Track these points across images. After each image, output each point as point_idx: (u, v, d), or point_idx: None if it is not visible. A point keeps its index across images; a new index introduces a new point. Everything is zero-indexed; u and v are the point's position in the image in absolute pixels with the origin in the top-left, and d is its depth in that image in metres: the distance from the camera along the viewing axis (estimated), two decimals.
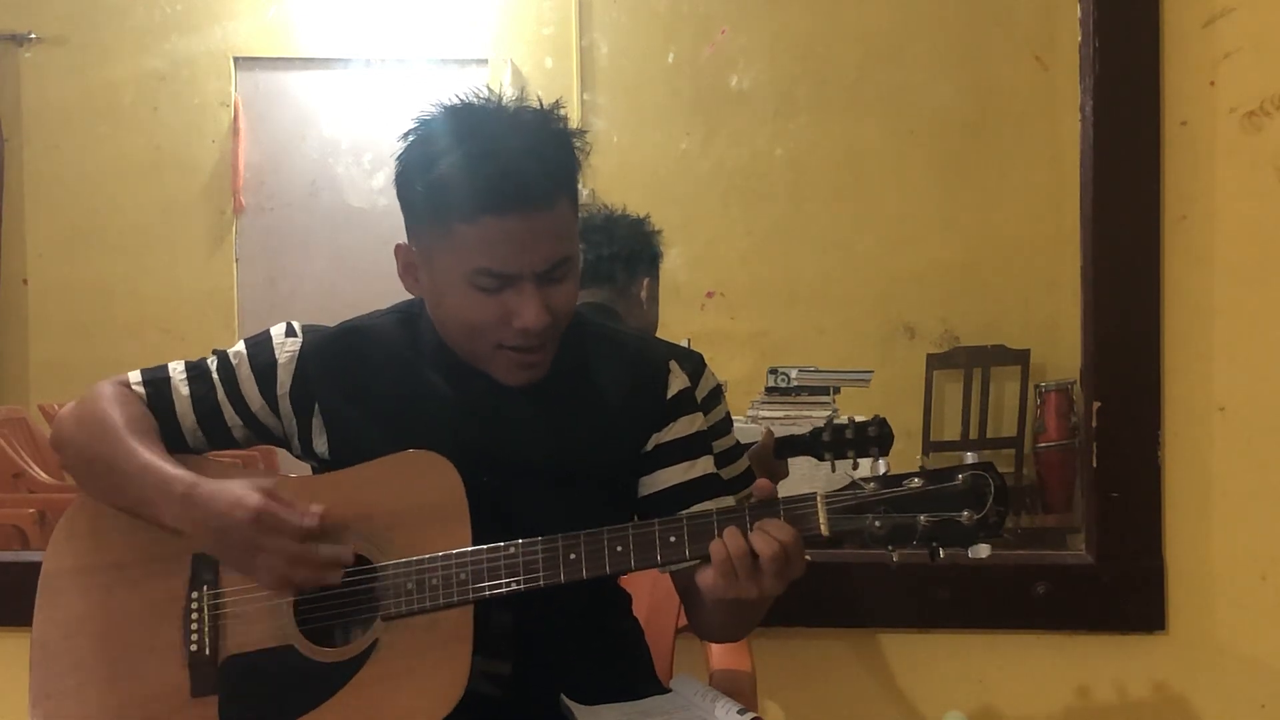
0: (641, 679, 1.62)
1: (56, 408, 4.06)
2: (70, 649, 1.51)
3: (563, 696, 1.51)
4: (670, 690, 1.60)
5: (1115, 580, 2.11)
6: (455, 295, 1.45)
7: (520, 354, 1.47)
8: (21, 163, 5.11)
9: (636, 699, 1.55)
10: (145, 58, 5.05)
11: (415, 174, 1.46)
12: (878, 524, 1.38)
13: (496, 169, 1.40)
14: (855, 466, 2.26)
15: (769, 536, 1.36)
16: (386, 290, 1.62)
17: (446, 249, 1.44)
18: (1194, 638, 2.12)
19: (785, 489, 1.49)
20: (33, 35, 5.05)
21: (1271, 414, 2.10)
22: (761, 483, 1.43)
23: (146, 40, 5.04)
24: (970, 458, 1.47)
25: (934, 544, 1.39)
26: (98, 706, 1.48)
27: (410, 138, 1.48)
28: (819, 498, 1.39)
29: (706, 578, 1.42)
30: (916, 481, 1.39)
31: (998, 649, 2.16)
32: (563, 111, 1.50)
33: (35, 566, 1.56)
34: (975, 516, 1.38)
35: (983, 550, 1.39)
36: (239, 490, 1.42)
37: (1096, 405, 2.10)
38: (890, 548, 1.39)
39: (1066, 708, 2.15)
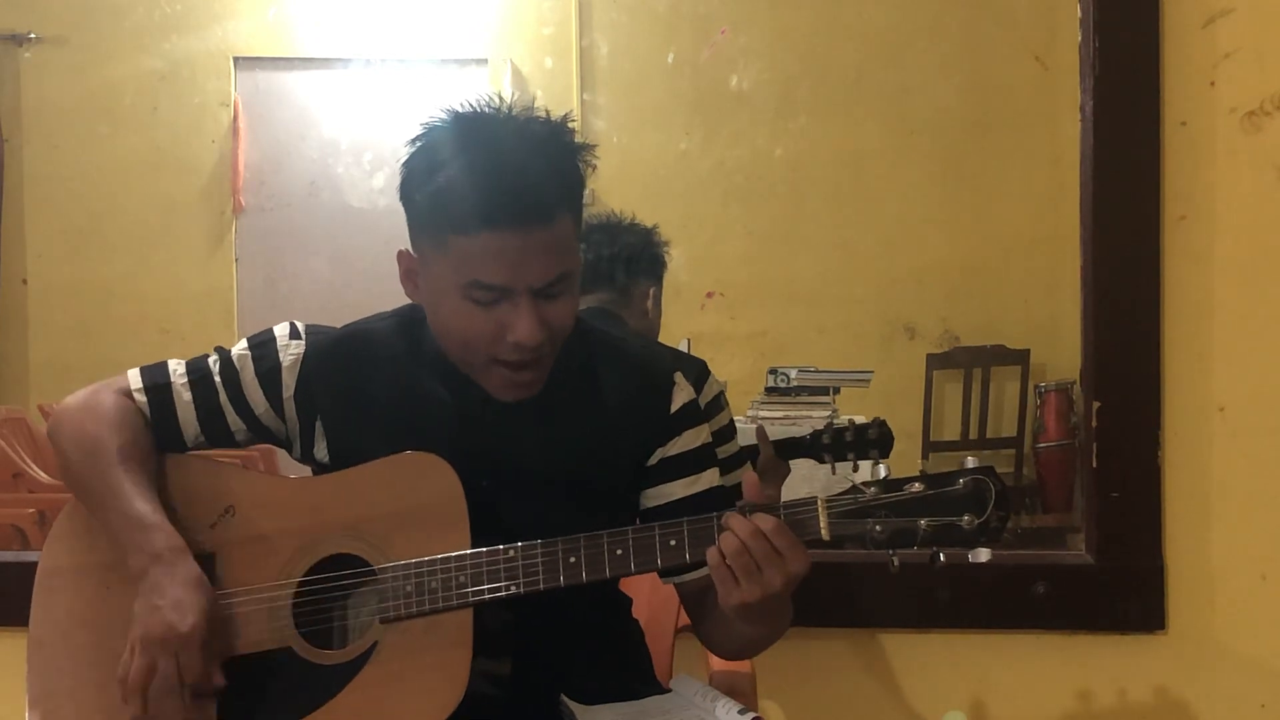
0: (641, 679, 1.62)
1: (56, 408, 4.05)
2: (67, 649, 1.51)
3: (563, 697, 1.51)
4: (670, 690, 1.60)
5: (1115, 580, 2.11)
6: (451, 306, 1.44)
7: (513, 371, 1.46)
8: (21, 163, 5.10)
9: (636, 699, 1.55)
10: (145, 58, 5.04)
11: (416, 182, 1.45)
12: (878, 528, 1.38)
13: (496, 183, 1.39)
14: (855, 469, 2.26)
15: (748, 524, 1.35)
16: (386, 291, 1.62)
17: (444, 259, 1.42)
18: (1194, 638, 2.12)
19: (786, 491, 1.48)
20: (33, 35, 5.05)
21: (1271, 414, 2.10)
22: (748, 477, 1.43)
23: (146, 40, 5.04)
24: (970, 461, 1.45)
25: (934, 548, 1.39)
26: (95, 707, 1.48)
27: (416, 144, 1.47)
28: (820, 502, 1.39)
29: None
30: (917, 486, 1.39)
31: (998, 649, 2.16)
32: (573, 124, 1.49)
33: (35, 566, 1.56)
34: (976, 521, 1.38)
35: (983, 554, 1.38)
36: (192, 598, 1.40)
37: (1096, 405, 2.09)
38: (891, 552, 1.39)
39: (1066, 708, 2.15)
